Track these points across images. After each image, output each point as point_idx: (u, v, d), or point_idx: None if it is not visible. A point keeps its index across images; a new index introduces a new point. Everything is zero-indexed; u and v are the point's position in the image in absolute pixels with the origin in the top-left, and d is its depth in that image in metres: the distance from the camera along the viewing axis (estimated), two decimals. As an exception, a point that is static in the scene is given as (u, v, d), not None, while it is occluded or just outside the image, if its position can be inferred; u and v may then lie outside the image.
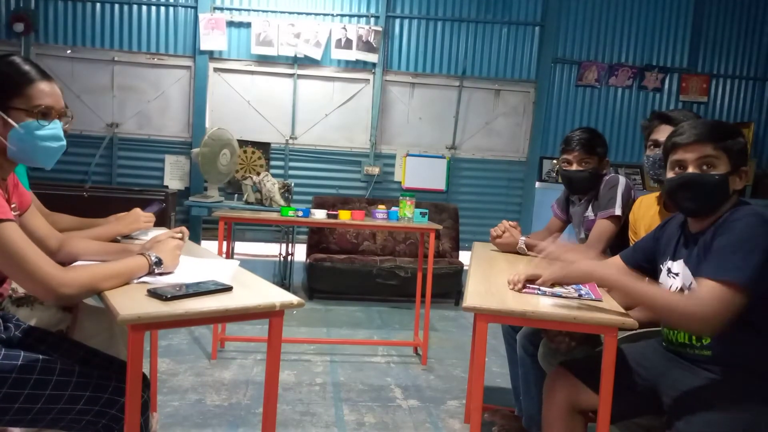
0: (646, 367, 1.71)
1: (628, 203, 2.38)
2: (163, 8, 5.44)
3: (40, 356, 1.41)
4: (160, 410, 2.59)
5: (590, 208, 2.54)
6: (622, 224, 2.39)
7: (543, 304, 1.60)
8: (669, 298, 1.55)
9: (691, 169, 1.60)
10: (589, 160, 2.48)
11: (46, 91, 1.46)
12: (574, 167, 2.49)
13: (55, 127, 1.49)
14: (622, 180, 2.44)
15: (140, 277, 1.51)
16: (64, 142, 1.52)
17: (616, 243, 2.34)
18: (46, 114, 1.47)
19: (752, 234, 1.46)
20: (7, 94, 1.42)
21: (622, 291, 1.62)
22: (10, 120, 1.42)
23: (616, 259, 1.94)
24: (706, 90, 5.98)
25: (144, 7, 5.41)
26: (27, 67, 1.46)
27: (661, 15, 5.89)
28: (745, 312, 1.48)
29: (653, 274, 1.86)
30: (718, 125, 1.62)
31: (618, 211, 2.37)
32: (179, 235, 1.75)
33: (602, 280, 1.67)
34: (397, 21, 5.67)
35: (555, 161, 2.64)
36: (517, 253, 2.57)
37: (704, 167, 1.58)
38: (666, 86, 5.97)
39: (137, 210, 2.14)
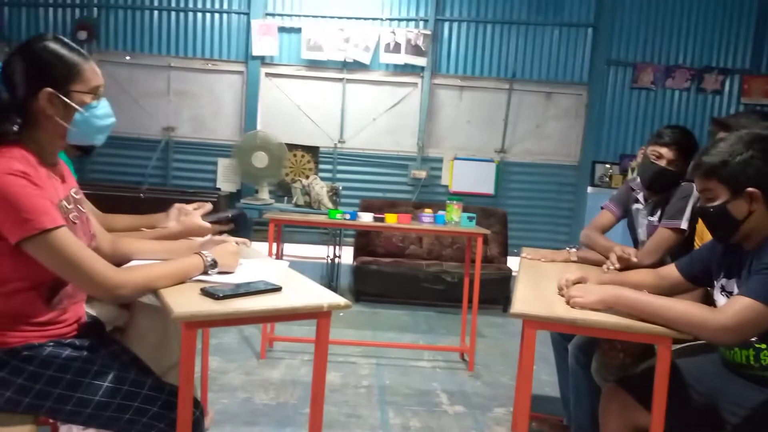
0: (704, 382, 1.65)
1: (696, 217, 2.26)
2: (217, 15, 5.58)
3: (98, 359, 1.44)
4: (210, 407, 2.65)
5: (657, 212, 2.42)
6: (686, 237, 2.27)
7: (593, 312, 1.56)
8: (686, 308, 1.46)
9: (700, 202, 1.63)
10: (680, 162, 2.35)
11: (96, 71, 1.48)
12: (664, 163, 2.35)
13: (106, 105, 1.50)
14: (695, 192, 2.33)
15: (195, 277, 1.54)
16: (114, 118, 1.54)
17: (680, 249, 2.24)
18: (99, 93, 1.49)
19: None
20: (66, 80, 1.41)
21: (642, 310, 1.50)
22: (73, 104, 1.42)
23: (671, 268, 1.87)
24: (770, 92, 5.72)
25: (199, 15, 5.57)
26: (66, 50, 1.43)
27: (721, 14, 5.65)
28: None
29: (710, 285, 1.79)
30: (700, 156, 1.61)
31: (684, 225, 2.25)
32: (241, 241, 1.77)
33: (625, 302, 1.54)
34: (447, 24, 5.64)
35: (641, 150, 2.53)
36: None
37: (705, 200, 1.59)
38: (726, 88, 5.72)
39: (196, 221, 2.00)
